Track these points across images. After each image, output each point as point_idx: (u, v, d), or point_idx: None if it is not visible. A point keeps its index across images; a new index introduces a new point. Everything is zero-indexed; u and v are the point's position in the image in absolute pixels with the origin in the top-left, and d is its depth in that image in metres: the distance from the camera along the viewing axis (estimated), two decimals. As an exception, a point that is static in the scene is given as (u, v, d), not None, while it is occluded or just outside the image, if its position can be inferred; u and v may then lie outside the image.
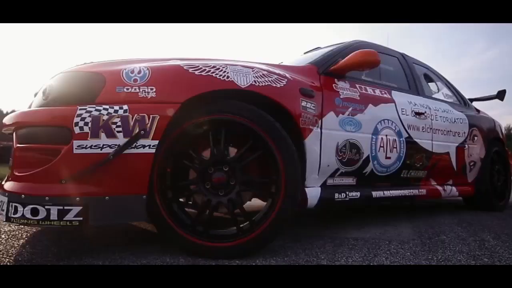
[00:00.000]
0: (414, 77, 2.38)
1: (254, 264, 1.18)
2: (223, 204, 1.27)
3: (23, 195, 1.11)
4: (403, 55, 2.47)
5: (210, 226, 1.28)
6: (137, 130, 1.13)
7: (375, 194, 1.86)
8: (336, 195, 1.67)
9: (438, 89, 2.59)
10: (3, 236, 1.51)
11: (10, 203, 1.13)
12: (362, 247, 1.45)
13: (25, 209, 1.10)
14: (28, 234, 1.57)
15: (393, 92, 2.08)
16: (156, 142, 1.15)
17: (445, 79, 2.79)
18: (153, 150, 1.15)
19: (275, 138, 1.29)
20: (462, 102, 2.75)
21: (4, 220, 1.14)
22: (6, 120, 1.33)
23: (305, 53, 2.70)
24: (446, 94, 2.64)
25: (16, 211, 1.11)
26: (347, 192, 1.72)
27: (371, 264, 1.23)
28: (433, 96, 2.48)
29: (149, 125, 1.14)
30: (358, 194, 1.77)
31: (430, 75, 2.62)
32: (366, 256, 1.32)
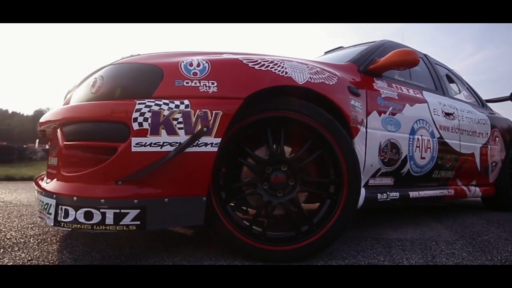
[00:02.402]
0: (439, 78, 2.39)
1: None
2: (282, 206, 1.21)
3: (75, 198, 1.02)
4: (426, 56, 2.48)
5: (266, 229, 1.22)
6: (200, 127, 1.06)
7: (411, 194, 1.85)
8: (379, 196, 1.64)
9: (459, 90, 2.61)
10: (32, 241, 1.40)
11: (59, 206, 1.03)
12: (413, 248, 1.42)
13: (78, 212, 1.01)
14: (57, 239, 1.46)
15: (424, 92, 2.07)
16: (219, 140, 1.08)
17: (464, 80, 2.82)
18: (215, 149, 1.08)
19: (336, 137, 1.24)
20: (480, 103, 2.79)
21: (52, 224, 1.04)
22: (49, 116, 1.23)
23: (325, 53, 2.67)
24: (466, 95, 2.66)
25: (67, 214, 1.02)
26: (388, 193, 1.70)
27: (436, 264, 1.20)
28: (455, 96, 2.50)
29: (211, 121, 1.07)
30: (398, 194, 1.75)
31: (451, 76, 2.64)
32: (424, 257, 1.29)
